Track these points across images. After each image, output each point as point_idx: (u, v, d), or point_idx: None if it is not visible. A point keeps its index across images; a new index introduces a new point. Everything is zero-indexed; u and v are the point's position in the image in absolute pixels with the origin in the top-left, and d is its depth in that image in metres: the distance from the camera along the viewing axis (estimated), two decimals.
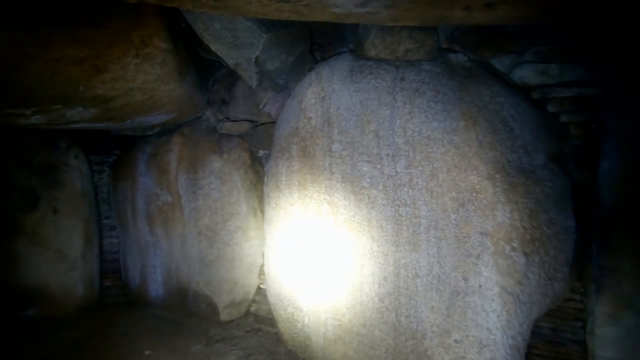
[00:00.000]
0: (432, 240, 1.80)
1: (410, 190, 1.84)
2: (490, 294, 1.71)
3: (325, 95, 2.05)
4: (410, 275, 1.87)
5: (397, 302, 1.92)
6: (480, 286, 1.72)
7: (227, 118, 2.68)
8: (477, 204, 1.70)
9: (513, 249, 1.66)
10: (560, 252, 1.66)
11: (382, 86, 1.89)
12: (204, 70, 2.61)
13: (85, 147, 3.15)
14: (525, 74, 1.90)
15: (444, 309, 1.81)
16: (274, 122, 2.43)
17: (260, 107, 2.44)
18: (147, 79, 2.06)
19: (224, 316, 2.74)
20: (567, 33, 1.83)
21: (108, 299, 3.28)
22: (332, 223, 2.06)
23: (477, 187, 1.70)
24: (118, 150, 3.29)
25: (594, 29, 1.75)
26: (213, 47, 2.09)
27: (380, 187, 1.91)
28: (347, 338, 2.09)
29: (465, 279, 1.75)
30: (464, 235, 1.74)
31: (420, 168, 1.81)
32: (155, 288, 3.01)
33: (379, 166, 1.91)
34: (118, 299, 3.29)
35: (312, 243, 2.15)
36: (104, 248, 3.31)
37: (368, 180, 1.94)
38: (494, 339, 1.72)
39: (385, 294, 1.95)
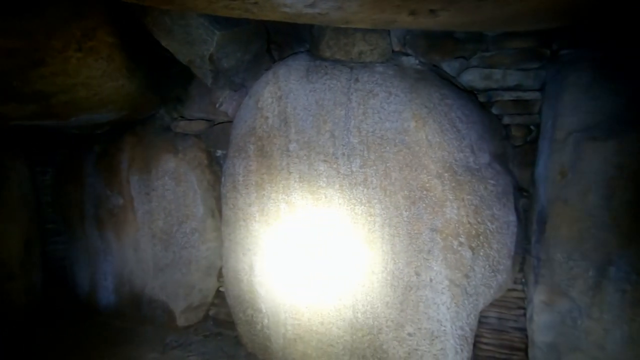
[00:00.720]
0: (387, 238, 1.85)
1: (365, 189, 1.88)
2: (440, 287, 1.79)
3: (282, 95, 2.05)
4: (366, 272, 1.91)
5: (354, 299, 1.95)
6: (431, 280, 1.80)
7: (182, 117, 2.59)
8: (427, 202, 1.77)
9: (460, 243, 1.75)
10: (502, 246, 1.77)
11: (337, 87, 1.92)
12: (158, 66, 2.50)
13: (26, 147, 2.91)
14: (472, 78, 2.01)
15: (398, 304, 1.86)
16: (231, 121, 2.39)
17: (217, 105, 2.39)
18: (91, 75, 1.94)
19: (181, 322, 2.65)
20: (508, 40, 1.96)
21: (53, 310, 3.05)
22: (290, 223, 2.06)
23: (427, 185, 1.77)
24: (64, 150, 3.08)
25: (529, 37, 1.89)
26: (163, 43, 2.01)
27: (337, 186, 1.93)
28: (306, 337, 2.10)
29: (418, 274, 1.82)
30: (415, 232, 1.80)
31: (374, 167, 1.85)
32: (106, 296, 2.84)
33: (335, 166, 1.93)
34: (65, 308, 3.08)
35: (270, 243, 2.13)
36: (48, 255, 3.08)
37: (325, 179, 1.96)
38: (444, 330, 1.80)
39: (343, 291, 1.97)
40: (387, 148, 1.82)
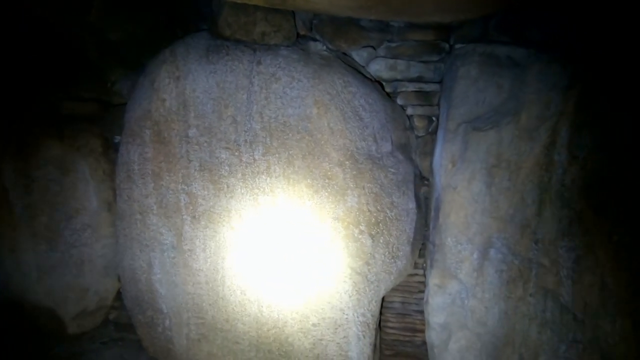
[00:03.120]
0: (291, 228, 1.80)
1: (269, 178, 1.80)
2: (342, 276, 1.78)
3: (181, 75, 1.87)
4: (270, 263, 1.84)
5: (258, 293, 1.88)
6: (334, 269, 1.78)
7: (71, 97, 2.26)
8: (329, 190, 1.75)
9: (361, 231, 1.75)
10: (402, 233, 1.82)
11: (239, 69, 1.80)
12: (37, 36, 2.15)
13: None
14: (379, 68, 2.03)
15: (302, 295, 1.83)
16: None
17: (109, 84, 2.12)
18: None
19: (72, 329, 2.34)
20: (411, 32, 2.00)
21: None
22: (191, 215, 1.91)
23: (329, 173, 1.75)
24: None
25: (430, 30, 1.95)
26: (38, 12, 1.71)
27: (239, 175, 1.83)
28: (211, 336, 1.98)
29: (321, 264, 1.79)
30: (319, 221, 1.77)
31: (277, 155, 1.78)
32: None
33: (237, 153, 1.82)
34: None
35: (170, 238, 1.96)
36: None
37: (227, 168, 1.84)
38: (347, 318, 1.81)
39: (248, 286, 1.89)
40: (290, 135, 1.76)
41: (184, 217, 1.92)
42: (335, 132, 1.74)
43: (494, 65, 1.67)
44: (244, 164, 1.82)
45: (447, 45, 1.97)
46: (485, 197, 1.61)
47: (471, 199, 1.64)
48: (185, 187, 1.90)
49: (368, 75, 2.01)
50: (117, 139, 2.39)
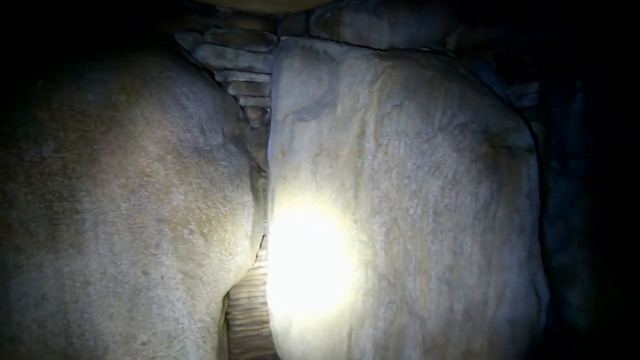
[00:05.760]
0: (102, 237, 1.51)
1: (66, 180, 1.46)
2: (173, 282, 1.61)
3: None
4: (78, 284, 1.52)
5: (64, 322, 1.52)
6: (162, 277, 1.59)
7: None
8: (149, 189, 1.54)
9: (191, 231, 1.61)
10: (238, 227, 1.76)
11: None
12: None
13: None
14: (206, 54, 1.90)
15: (125, 313, 1.57)
16: None
17: None
18: None
19: None
20: (239, 20, 1.94)
21: None
22: None
23: (148, 170, 1.54)
24: None
25: (258, 20, 1.93)
26: None
27: (21, 178, 1.42)
28: None
29: (146, 273, 1.57)
30: (139, 225, 1.54)
31: (76, 151, 1.46)
32: None
33: (14, 151, 1.41)
34: None
35: None
36: None
37: (1, 170, 1.41)
38: (182, 327, 1.65)
39: (47, 315, 1.50)
40: (92, 126, 1.46)
41: None
42: (151, 122, 1.54)
43: (314, 59, 1.77)
44: (27, 164, 1.42)
45: (275, 37, 1.99)
46: (312, 184, 1.70)
47: (300, 186, 1.71)
48: None
49: (194, 62, 1.85)
50: None
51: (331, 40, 1.86)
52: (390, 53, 1.83)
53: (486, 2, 2.04)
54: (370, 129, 1.68)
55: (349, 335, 1.78)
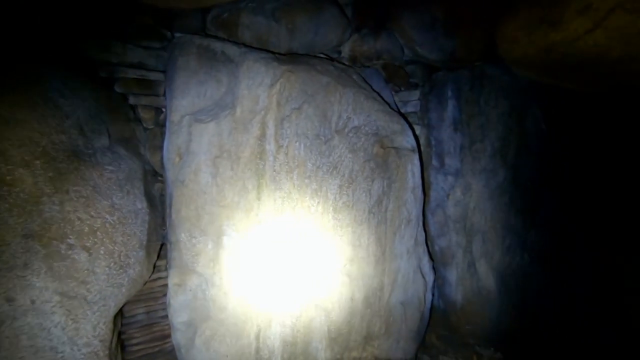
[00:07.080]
0: None
1: None
2: (48, 306, 1.40)
3: None
4: None
5: None
6: (33, 302, 1.37)
7: None
8: (11, 201, 1.31)
9: (70, 246, 1.43)
10: (130, 237, 1.62)
11: None
12: None
13: None
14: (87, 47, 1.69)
15: None
16: None
17: None
18: None
19: None
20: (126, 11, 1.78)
21: None
22: None
23: (9, 178, 1.31)
24: None
25: (149, 14, 1.80)
26: None
27: None
28: None
29: (10, 300, 1.34)
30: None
31: None
32: None
33: None
34: None
35: None
36: None
37: None
38: (63, 356, 1.45)
39: None
40: None
41: None
42: (11, 122, 1.31)
43: (212, 59, 1.72)
44: None
45: (169, 33, 1.88)
46: (212, 187, 1.66)
47: (200, 190, 1.64)
48: None
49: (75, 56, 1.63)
50: None
51: (229, 40, 1.84)
52: (288, 57, 1.89)
53: (374, 18, 2.26)
54: (270, 131, 1.70)
55: (257, 337, 1.78)
